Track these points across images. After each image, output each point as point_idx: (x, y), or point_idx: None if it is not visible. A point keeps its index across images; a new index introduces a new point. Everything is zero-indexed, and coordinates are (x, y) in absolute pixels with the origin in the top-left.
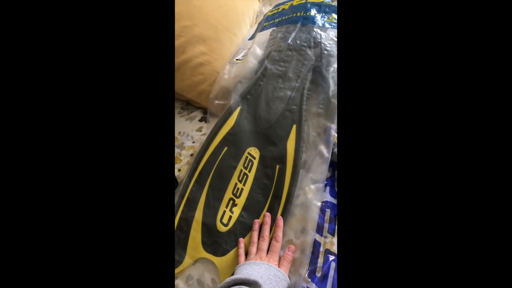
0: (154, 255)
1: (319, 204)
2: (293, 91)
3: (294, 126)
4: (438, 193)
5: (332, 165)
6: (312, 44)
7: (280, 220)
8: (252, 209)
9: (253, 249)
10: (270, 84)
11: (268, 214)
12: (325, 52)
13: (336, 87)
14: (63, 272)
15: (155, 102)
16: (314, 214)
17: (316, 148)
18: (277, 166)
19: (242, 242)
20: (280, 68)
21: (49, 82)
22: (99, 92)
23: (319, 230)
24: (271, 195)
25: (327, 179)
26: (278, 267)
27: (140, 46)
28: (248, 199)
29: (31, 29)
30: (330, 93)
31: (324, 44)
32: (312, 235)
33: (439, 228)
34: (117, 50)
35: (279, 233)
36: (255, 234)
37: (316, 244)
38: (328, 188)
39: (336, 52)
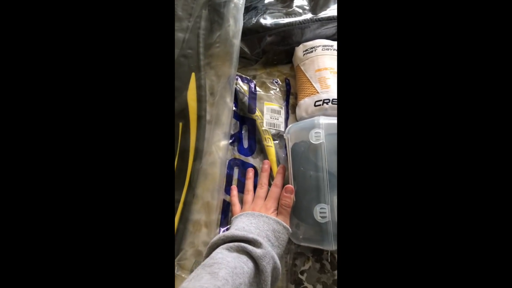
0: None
1: (227, 160)
2: (187, 33)
3: (193, 74)
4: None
5: (240, 119)
6: None
7: (282, 168)
8: None
9: (249, 198)
10: None
11: (267, 161)
12: None
13: (238, 25)
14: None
15: (155, 100)
16: (225, 171)
17: (221, 98)
18: (180, 124)
19: (234, 189)
20: None
21: (45, 83)
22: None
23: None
24: (177, 156)
25: (234, 134)
26: (276, 216)
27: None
28: None
29: (31, 29)
30: (230, 33)
31: None
32: (223, 194)
33: (440, 229)
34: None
35: (280, 179)
36: (249, 182)
37: (226, 203)
38: (236, 144)
39: None
